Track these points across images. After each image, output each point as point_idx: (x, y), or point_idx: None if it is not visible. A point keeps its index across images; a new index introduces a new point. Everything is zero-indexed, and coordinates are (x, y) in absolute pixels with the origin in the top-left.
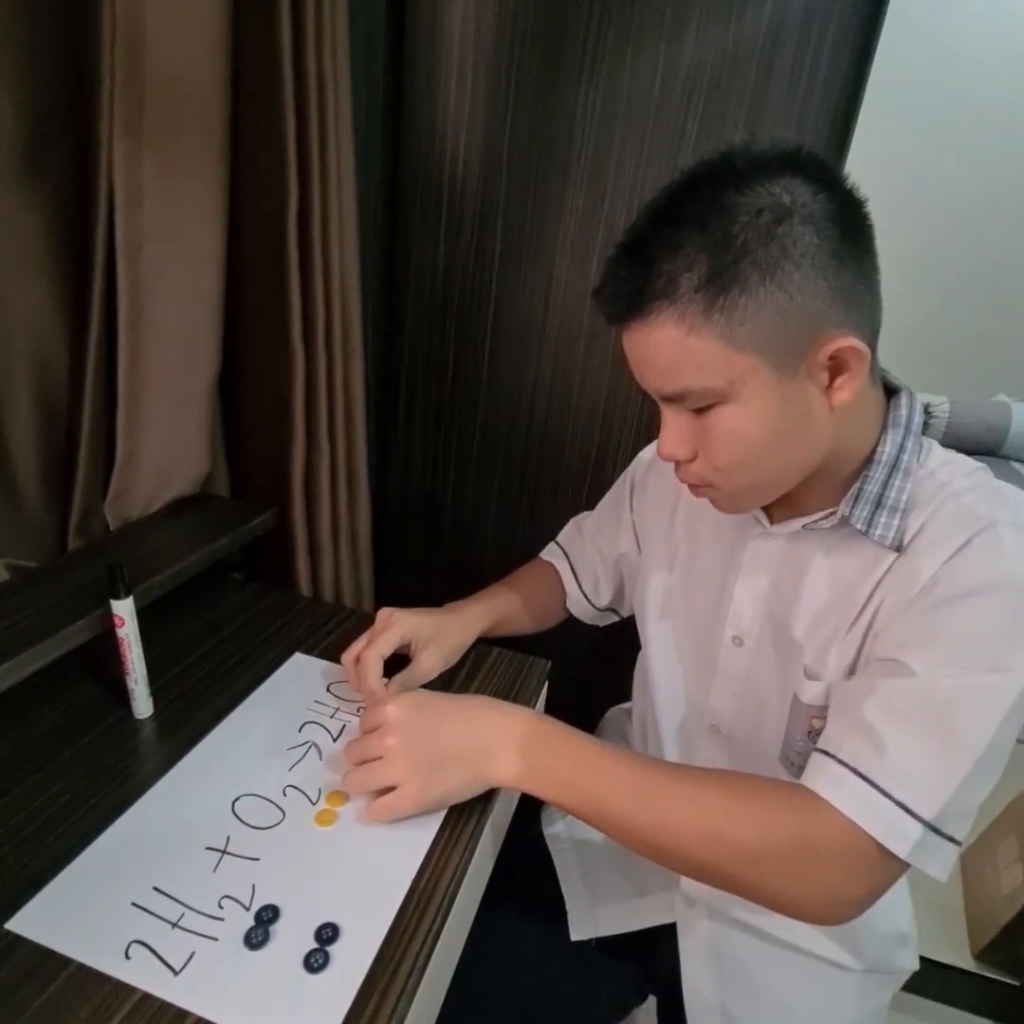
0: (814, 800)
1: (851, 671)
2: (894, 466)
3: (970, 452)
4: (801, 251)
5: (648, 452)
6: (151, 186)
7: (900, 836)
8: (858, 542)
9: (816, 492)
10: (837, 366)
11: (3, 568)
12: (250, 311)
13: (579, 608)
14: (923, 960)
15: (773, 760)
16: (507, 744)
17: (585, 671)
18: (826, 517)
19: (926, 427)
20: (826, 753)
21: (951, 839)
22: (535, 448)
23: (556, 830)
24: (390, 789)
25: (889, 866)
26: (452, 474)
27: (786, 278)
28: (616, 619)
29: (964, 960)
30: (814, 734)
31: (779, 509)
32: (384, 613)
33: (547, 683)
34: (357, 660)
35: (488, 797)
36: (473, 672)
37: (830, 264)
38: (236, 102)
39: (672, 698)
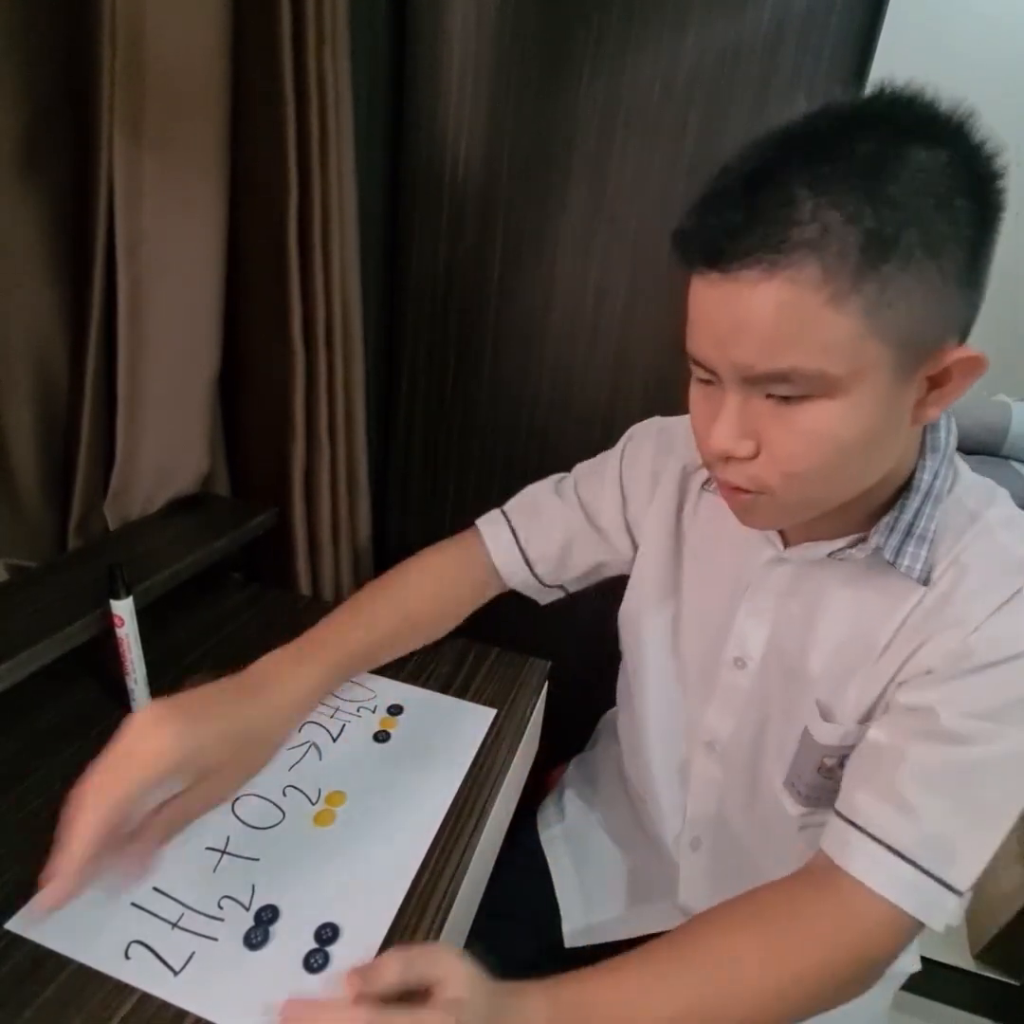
0: (845, 894)
1: (869, 713)
2: (927, 493)
3: (970, 452)
4: (964, 235)
5: (653, 443)
6: (151, 185)
7: (941, 913)
8: (882, 573)
9: (840, 517)
10: (940, 378)
11: (3, 568)
12: (250, 310)
13: (520, 579)
14: (923, 960)
15: (777, 785)
16: None
17: (585, 672)
18: (854, 546)
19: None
20: (855, 825)
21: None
22: (536, 448)
23: (552, 835)
24: None
25: (918, 930)
26: (452, 474)
27: (950, 261)
28: (561, 595)
29: (964, 960)
30: (825, 770)
31: (792, 532)
32: (134, 733)
33: (547, 683)
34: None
35: (488, 796)
36: (472, 672)
37: (981, 258)
38: (236, 101)
39: (667, 712)
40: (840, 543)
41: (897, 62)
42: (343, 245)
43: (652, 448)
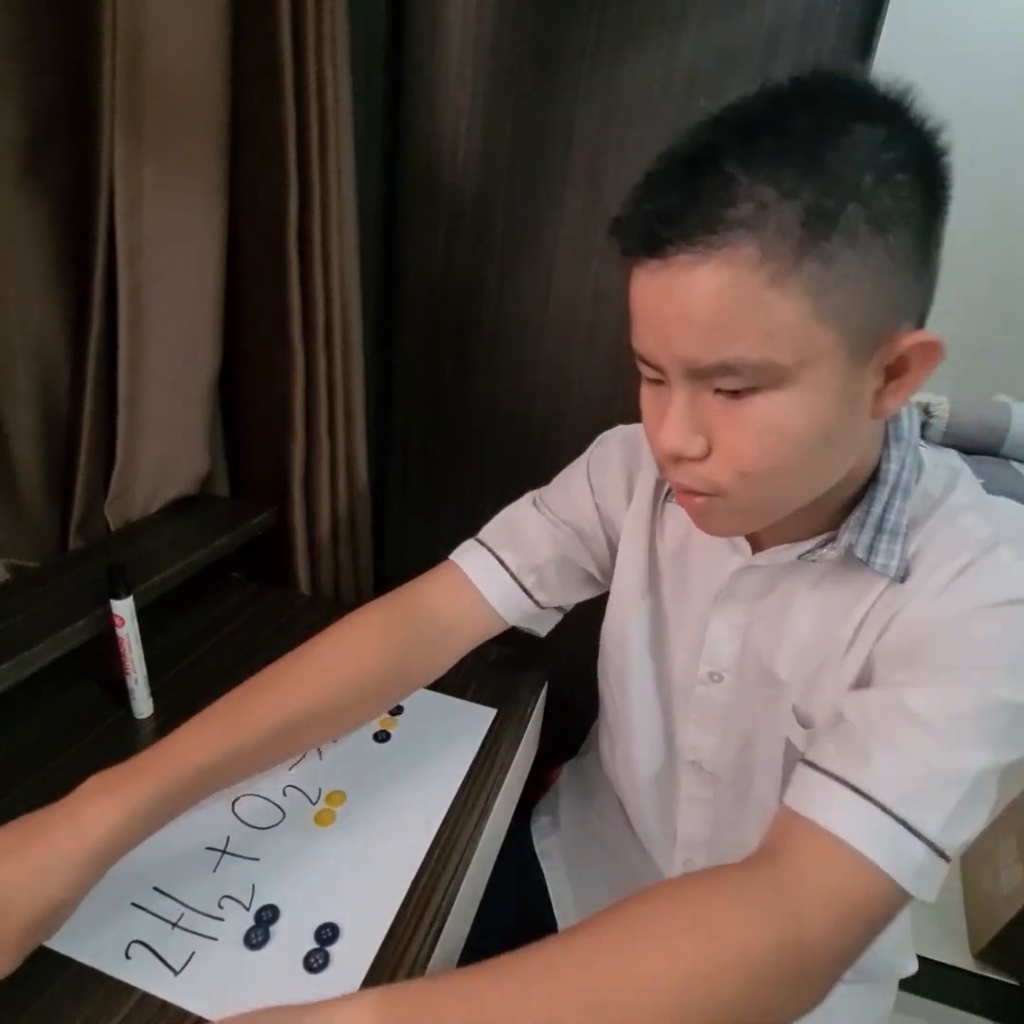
0: (808, 839)
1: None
2: (895, 486)
3: (970, 452)
4: (911, 210)
5: (630, 444)
6: (151, 187)
7: (904, 857)
8: (853, 571)
9: (807, 516)
10: (896, 367)
11: (4, 568)
12: (250, 311)
13: (519, 613)
14: (923, 960)
15: (772, 801)
16: None
17: (585, 672)
18: (824, 545)
19: (926, 427)
20: (812, 764)
21: (947, 859)
22: (535, 447)
23: (547, 846)
24: None
25: (891, 903)
26: (452, 473)
27: (896, 238)
28: (560, 617)
29: (964, 960)
30: None
31: (761, 536)
32: None
33: (547, 683)
34: None
35: (488, 796)
36: (472, 673)
37: (929, 238)
38: (236, 103)
39: (649, 732)
40: (809, 544)
41: (897, 62)
42: (342, 246)
43: (619, 455)
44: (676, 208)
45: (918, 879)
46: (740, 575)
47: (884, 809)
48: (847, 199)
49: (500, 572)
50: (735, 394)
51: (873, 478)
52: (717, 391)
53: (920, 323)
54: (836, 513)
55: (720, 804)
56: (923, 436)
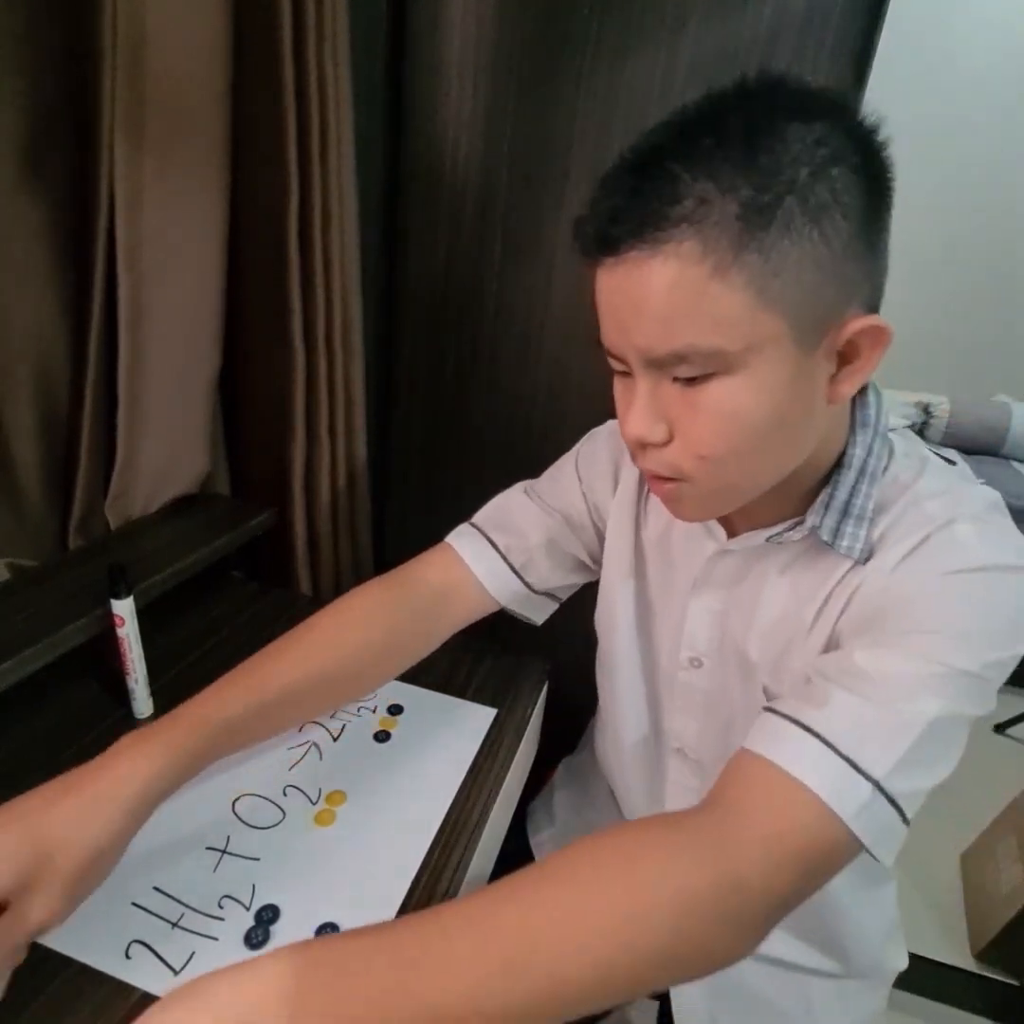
0: (757, 774)
1: None
2: (861, 471)
3: (970, 452)
4: (848, 202)
5: (604, 430)
6: (151, 187)
7: (850, 797)
8: (821, 555)
9: (777, 501)
10: (848, 353)
11: (4, 567)
12: (250, 311)
13: (509, 593)
14: (923, 960)
15: None
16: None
17: (583, 672)
18: (792, 528)
19: (926, 427)
20: (769, 709)
21: (900, 811)
22: (536, 447)
23: (542, 839)
24: None
25: (835, 843)
26: (452, 473)
27: (833, 228)
28: (555, 607)
29: (964, 960)
30: None
31: (733, 520)
32: None
33: (546, 683)
34: None
35: (488, 796)
36: (472, 672)
37: (872, 228)
38: (237, 103)
39: (635, 720)
40: (778, 527)
41: (897, 62)
42: (343, 245)
43: (607, 448)
44: (625, 207)
45: (863, 822)
46: (715, 561)
47: (830, 746)
48: (783, 193)
49: (490, 552)
50: (691, 382)
51: (839, 463)
52: (675, 379)
53: (872, 308)
54: (804, 498)
55: (704, 791)
56: (923, 436)
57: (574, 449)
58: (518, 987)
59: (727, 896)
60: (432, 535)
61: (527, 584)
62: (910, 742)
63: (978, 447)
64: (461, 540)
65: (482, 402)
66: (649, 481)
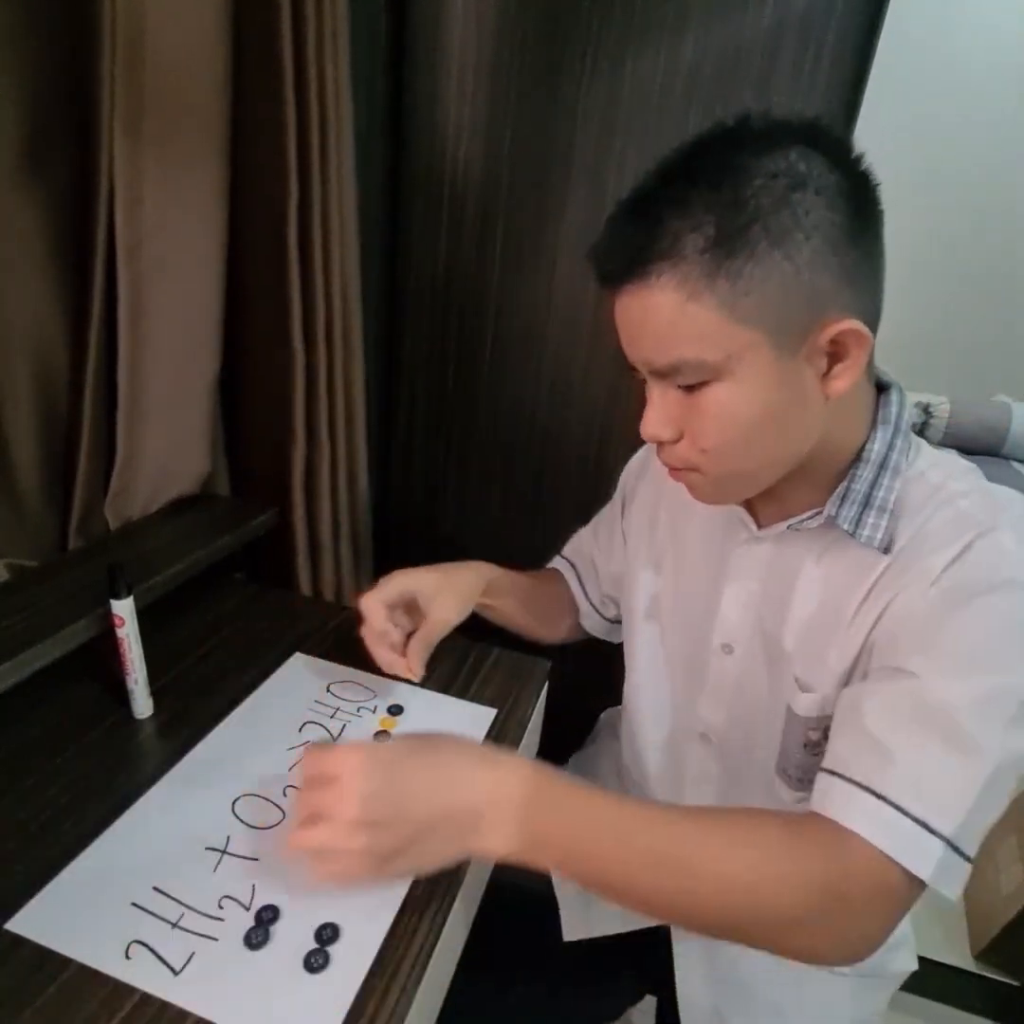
0: (835, 832)
1: (846, 682)
2: (882, 465)
3: (970, 452)
4: (813, 223)
5: (637, 459)
6: (151, 185)
7: (922, 856)
8: (848, 545)
9: (802, 490)
10: (837, 353)
11: (3, 568)
12: (251, 310)
13: (591, 622)
14: (923, 960)
15: (769, 771)
16: (502, 812)
17: (584, 672)
18: (812, 517)
19: (926, 427)
20: (835, 773)
21: (966, 857)
22: (536, 448)
23: None
24: None
25: (912, 892)
26: (453, 473)
27: (795, 249)
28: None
29: (964, 960)
30: (811, 745)
31: (765, 511)
32: (387, 576)
33: (547, 683)
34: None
35: None
36: (472, 672)
37: (840, 241)
38: (236, 102)
39: (659, 705)
40: (802, 516)
41: (897, 62)
42: (343, 245)
43: (643, 453)
44: (617, 249)
45: (937, 873)
46: (748, 548)
47: (904, 812)
48: (747, 224)
49: (580, 588)
50: (691, 388)
51: (858, 457)
52: (678, 386)
53: (857, 309)
54: (824, 487)
55: (726, 777)
56: (923, 436)
57: (619, 489)
58: (667, 884)
59: (834, 900)
60: (432, 536)
61: (608, 620)
62: (978, 791)
63: (978, 447)
64: (566, 572)
65: (483, 402)
66: (669, 472)
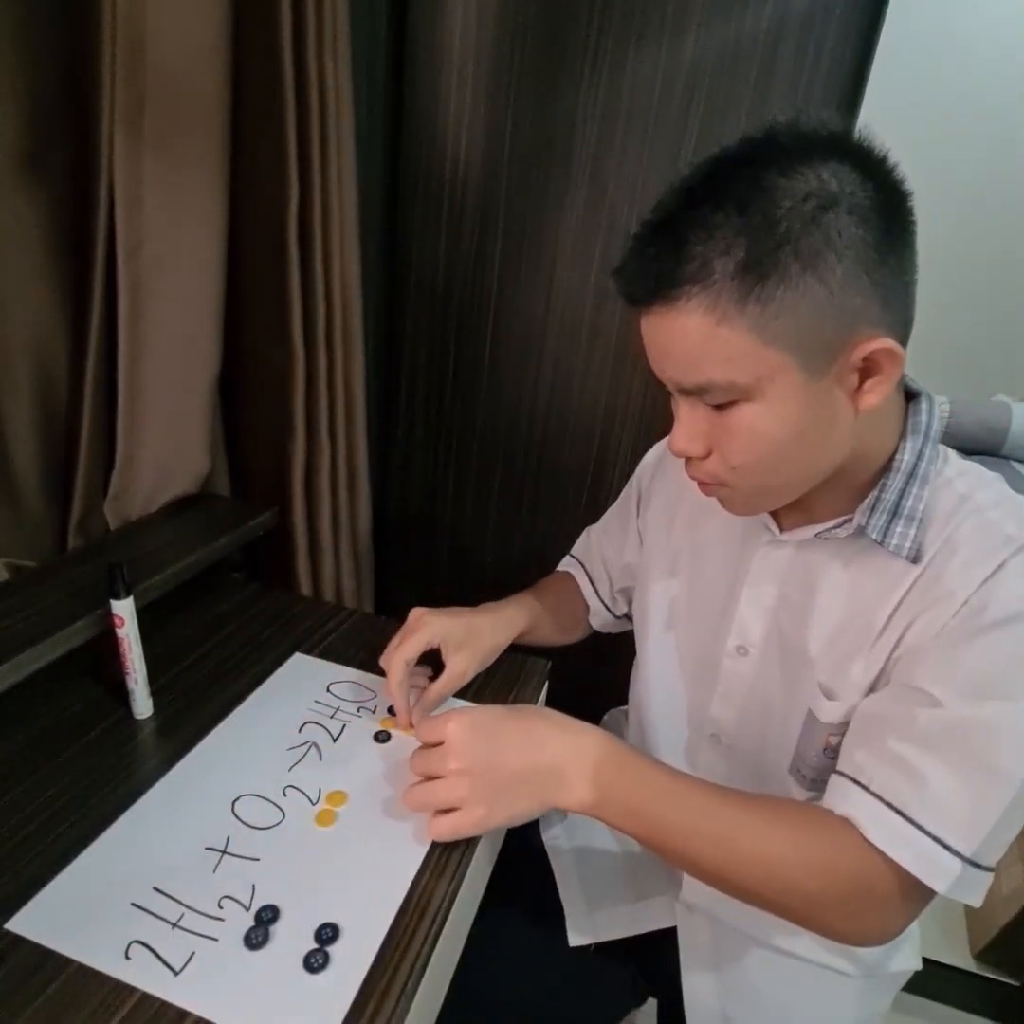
0: (859, 839)
1: (873, 689)
2: (912, 474)
3: (970, 452)
4: (845, 243)
5: (652, 455)
6: (151, 185)
7: (941, 873)
8: (874, 554)
9: (830, 499)
10: (868, 368)
11: (3, 568)
12: (251, 310)
13: (600, 620)
14: (923, 960)
15: (782, 772)
16: (579, 770)
17: (585, 672)
18: (840, 525)
19: None
20: (857, 782)
21: (988, 869)
22: (536, 447)
23: (554, 834)
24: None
25: (929, 897)
26: (453, 473)
27: (828, 271)
28: (631, 626)
29: (964, 960)
30: (830, 750)
31: (790, 516)
32: (415, 614)
33: (547, 683)
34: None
35: None
36: None
37: (872, 259)
38: (237, 102)
39: (671, 705)
40: (831, 524)
41: (898, 63)
42: (343, 245)
43: (657, 453)
44: (643, 271)
45: (956, 886)
46: (769, 552)
47: (926, 832)
48: (777, 247)
49: (590, 587)
50: (720, 407)
51: (888, 466)
52: (707, 405)
53: (889, 323)
54: (853, 496)
55: (736, 778)
56: None
57: (633, 484)
58: (716, 857)
59: (860, 890)
60: (433, 535)
61: (617, 616)
62: (1001, 813)
63: (978, 447)
64: (576, 572)
65: (483, 401)
66: (699, 486)
